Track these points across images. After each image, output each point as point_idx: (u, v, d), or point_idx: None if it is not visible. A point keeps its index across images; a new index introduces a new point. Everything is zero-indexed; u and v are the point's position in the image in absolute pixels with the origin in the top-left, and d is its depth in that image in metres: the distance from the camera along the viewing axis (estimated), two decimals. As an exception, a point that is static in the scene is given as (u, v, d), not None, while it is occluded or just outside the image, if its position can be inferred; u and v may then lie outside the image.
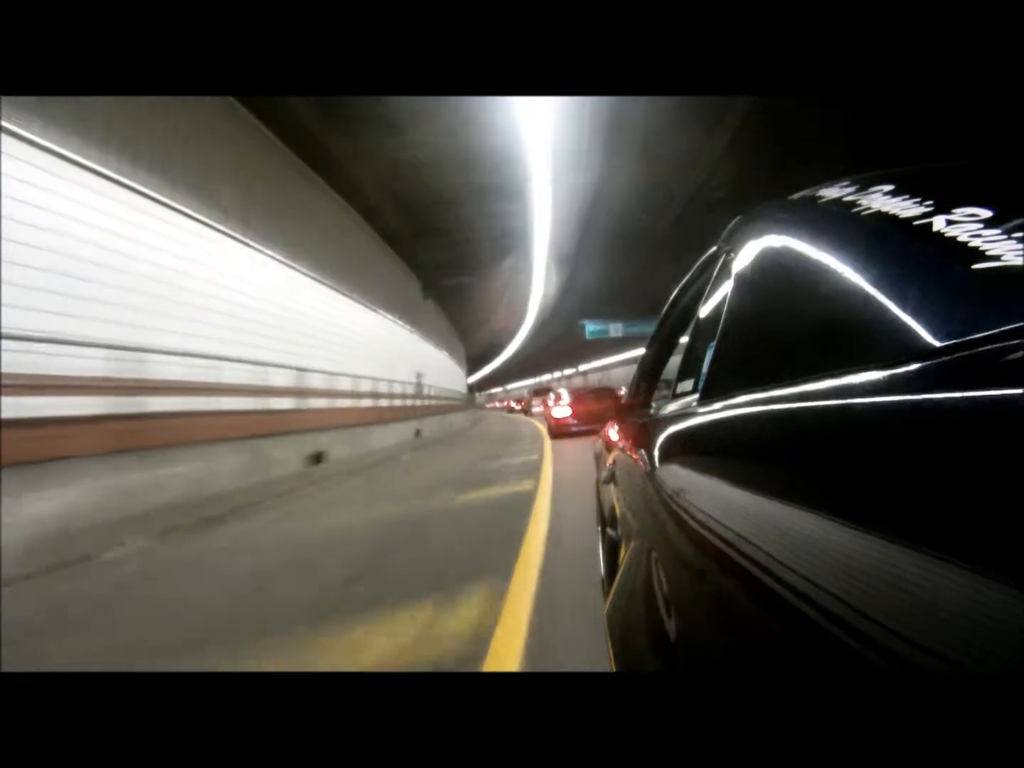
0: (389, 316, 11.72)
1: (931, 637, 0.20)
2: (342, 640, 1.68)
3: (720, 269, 0.77)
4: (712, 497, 0.47)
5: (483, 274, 14.89)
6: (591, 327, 19.02)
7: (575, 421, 9.38)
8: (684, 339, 1.14)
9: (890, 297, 0.37)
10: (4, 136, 3.46)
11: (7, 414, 3.17)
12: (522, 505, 3.67)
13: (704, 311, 0.86)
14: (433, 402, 15.24)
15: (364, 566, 2.52)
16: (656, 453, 0.76)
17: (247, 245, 6.28)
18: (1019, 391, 0.22)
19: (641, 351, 1.73)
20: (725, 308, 0.65)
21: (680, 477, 0.60)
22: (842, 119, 6.33)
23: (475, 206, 9.89)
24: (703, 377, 0.72)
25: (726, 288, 0.68)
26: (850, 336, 0.39)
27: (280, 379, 6.57)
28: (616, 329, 18.71)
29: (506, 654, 1.53)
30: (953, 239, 0.39)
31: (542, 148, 7.62)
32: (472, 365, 34.34)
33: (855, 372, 0.34)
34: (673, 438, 0.72)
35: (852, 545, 0.26)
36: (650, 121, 6.96)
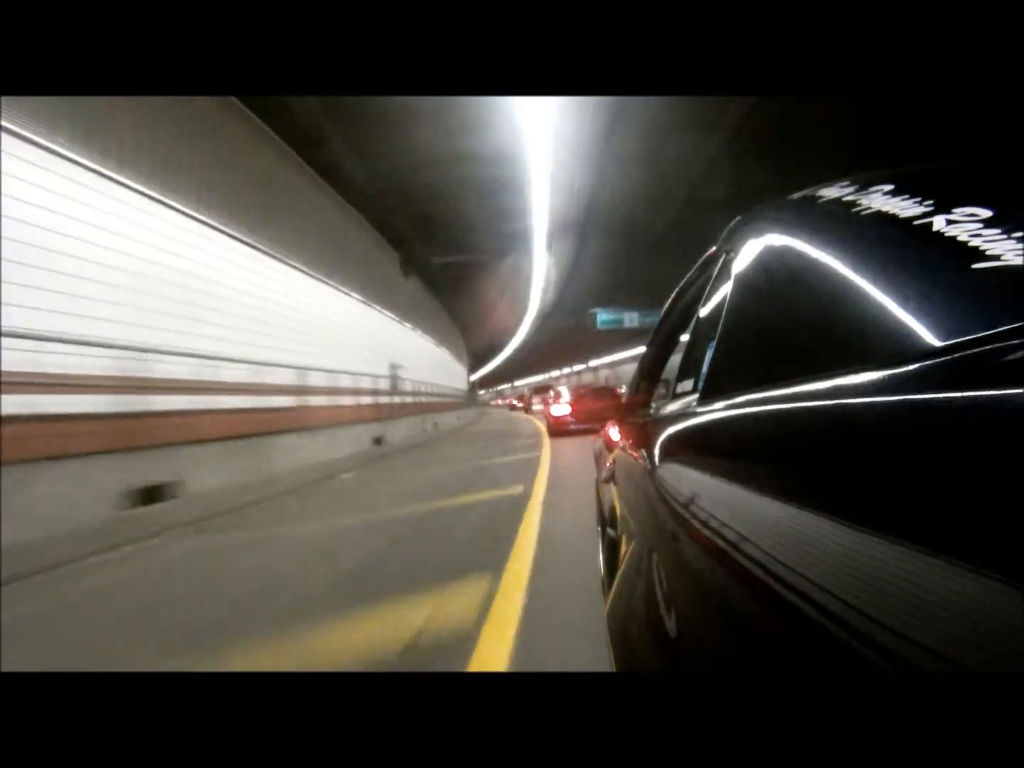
0: (348, 291, 9.39)
1: (931, 636, 0.20)
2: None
3: (720, 269, 0.77)
4: (712, 497, 0.47)
5: (484, 264, 14.04)
6: (603, 316, 16.63)
7: (574, 420, 9.35)
8: (684, 339, 1.14)
9: (890, 297, 0.37)
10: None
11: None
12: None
13: (704, 311, 0.86)
14: (422, 399, 14.02)
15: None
16: (656, 453, 0.76)
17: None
18: (1019, 391, 0.22)
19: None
20: (725, 308, 0.65)
21: (680, 477, 0.60)
22: (842, 119, 6.32)
23: (467, 185, 9.14)
24: (703, 377, 0.72)
25: (726, 288, 0.68)
26: (850, 336, 0.39)
27: (87, 361, 3.86)
28: (631, 319, 16.26)
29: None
30: (953, 239, 0.39)
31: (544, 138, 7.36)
32: (476, 362, 34.19)
33: (855, 372, 0.34)
34: (673, 438, 0.72)
35: (852, 545, 0.26)
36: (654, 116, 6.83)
